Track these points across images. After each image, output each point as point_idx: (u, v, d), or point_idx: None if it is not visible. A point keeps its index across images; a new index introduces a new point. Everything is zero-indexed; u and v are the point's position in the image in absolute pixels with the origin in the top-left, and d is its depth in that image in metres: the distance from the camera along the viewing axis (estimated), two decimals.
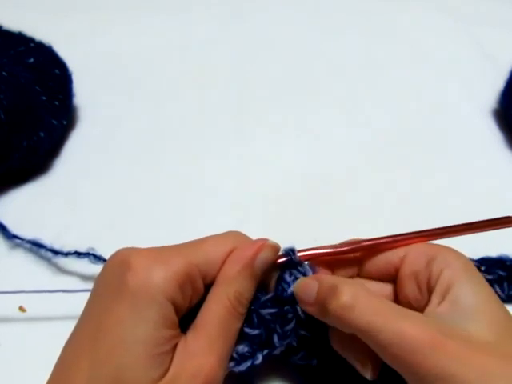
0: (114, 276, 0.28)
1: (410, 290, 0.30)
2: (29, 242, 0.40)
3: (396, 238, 0.31)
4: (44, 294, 0.35)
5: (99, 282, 0.29)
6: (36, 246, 0.40)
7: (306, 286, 0.30)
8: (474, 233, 0.32)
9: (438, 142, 0.52)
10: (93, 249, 0.38)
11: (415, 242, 0.31)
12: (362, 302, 0.27)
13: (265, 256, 0.30)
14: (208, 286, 0.29)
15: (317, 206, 0.45)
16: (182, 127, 0.53)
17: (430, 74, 0.60)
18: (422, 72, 0.60)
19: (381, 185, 0.47)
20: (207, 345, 0.27)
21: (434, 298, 0.28)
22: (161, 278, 0.27)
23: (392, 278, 0.31)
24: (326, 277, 0.30)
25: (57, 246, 0.39)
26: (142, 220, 0.44)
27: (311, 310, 0.29)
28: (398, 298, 0.31)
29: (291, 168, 0.49)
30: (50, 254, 0.40)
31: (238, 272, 0.29)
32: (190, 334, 0.28)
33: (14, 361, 0.35)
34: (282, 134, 0.52)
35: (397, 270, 0.31)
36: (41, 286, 0.35)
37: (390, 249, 0.31)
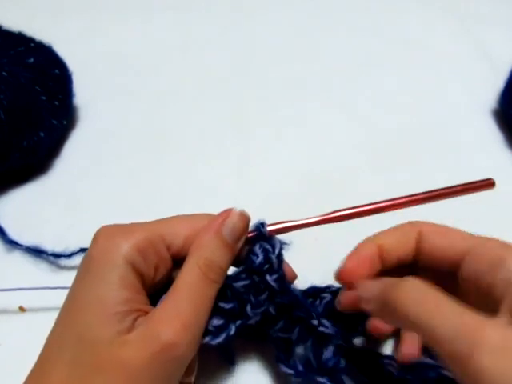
0: (87, 252, 0.29)
1: (472, 297, 0.26)
2: (28, 248, 0.40)
3: (368, 208, 0.31)
4: (45, 291, 0.35)
5: None
6: (36, 252, 0.40)
7: (367, 285, 0.28)
8: (454, 196, 0.31)
9: (438, 141, 0.52)
10: None
11: (387, 211, 0.30)
12: (426, 294, 0.24)
13: (232, 222, 0.30)
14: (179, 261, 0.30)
15: (317, 206, 0.45)
16: (182, 127, 0.53)
17: (430, 73, 0.60)
18: (422, 72, 0.60)
19: (381, 185, 0.47)
20: (174, 311, 0.27)
21: (504, 313, 0.23)
22: (120, 244, 0.28)
23: (447, 275, 0.29)
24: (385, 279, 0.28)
25: (57, 246, 0.39)
26: (142, 220, 0.44)
27: (371, 306, 0.27)
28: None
29: (291, 168, 0.49)
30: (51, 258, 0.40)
31: (208, 238, 0.29)
32: (160, 303, 0.28)
33: (14, 361, 0.35)
34: (281, 133, 0.52)
35: (455, 267, 0.28)
36: (41, 283, 0.36)
37: (362, 216, 0.31)
